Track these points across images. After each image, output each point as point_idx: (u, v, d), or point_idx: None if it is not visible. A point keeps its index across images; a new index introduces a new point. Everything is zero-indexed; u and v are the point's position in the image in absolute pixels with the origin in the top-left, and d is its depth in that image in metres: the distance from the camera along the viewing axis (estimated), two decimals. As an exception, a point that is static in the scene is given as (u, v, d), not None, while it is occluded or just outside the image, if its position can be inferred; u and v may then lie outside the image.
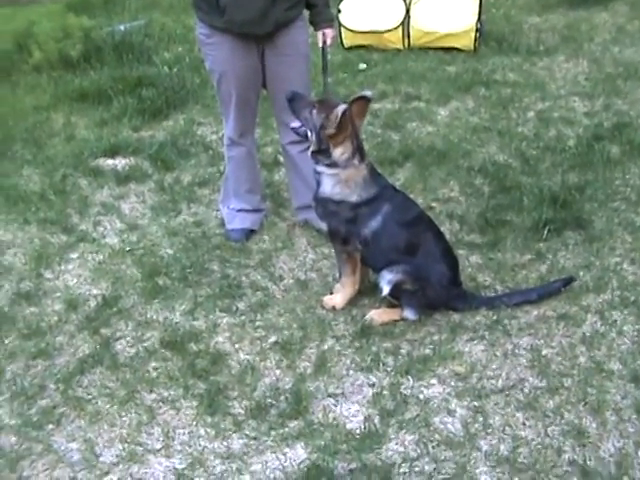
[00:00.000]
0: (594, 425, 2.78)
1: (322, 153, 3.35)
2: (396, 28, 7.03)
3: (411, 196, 3.81)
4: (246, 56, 3.71)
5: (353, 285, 3.51)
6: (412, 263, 3.35)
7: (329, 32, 3.89)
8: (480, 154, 4.93)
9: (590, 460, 2.64)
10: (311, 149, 3.40)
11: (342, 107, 3.22)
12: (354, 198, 3.34)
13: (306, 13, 3.82)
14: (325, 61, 3.91)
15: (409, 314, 3.40)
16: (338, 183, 3.35)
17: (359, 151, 3.34)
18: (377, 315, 3.43)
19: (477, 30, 6.88)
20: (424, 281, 3.34)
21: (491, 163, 4.76)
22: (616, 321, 3.32)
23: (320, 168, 3.39)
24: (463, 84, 6.11)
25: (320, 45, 3.90)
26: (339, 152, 3.31)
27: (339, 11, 7.08)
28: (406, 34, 7.04)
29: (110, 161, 5.13)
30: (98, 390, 3.11)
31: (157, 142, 5.31)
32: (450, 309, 3.44)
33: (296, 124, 3.46)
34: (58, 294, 3.77)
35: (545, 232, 3.94)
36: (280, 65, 3.77)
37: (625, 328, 3.27)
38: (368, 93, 3.39)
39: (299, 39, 3.78)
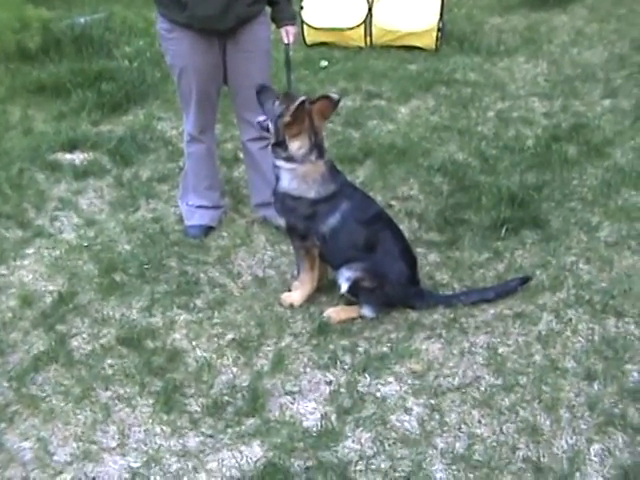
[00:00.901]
0: (548, 422, 2.82)
1: (280, 145, 3.35)
2: (358, 26, 7.05)
3: (370, 194, 3.83)
4: (207, 51, 3.68)
5: (311, 282, 3.51)
6: (371, 261, 3.36)
7: (291, 29, 3.89)
8: (440, 153, 4.96)
9: (544, 457, 2.67)
10: (271, 142, 3.40)
11: (301, 98, 3.23)
12: (312, 194, 3.34)
13: (268, 10, 3.81)
14: (288, 58, 3.90)
15: (367, 312, 3.41)
16: (295, 178, 3.34)
17: (317, 147, 3.34)
18: (335, 313, 3.43)
19: (439, 29, 6.92)
20: (382, 279, 3.35)
21: (450, 162, 4.79)
22: (571, 319, 3.36)
23: (279, 162, 3.38)
24: (424, 83, 6.14)
25: (285, 42, 3.88)
26: (296, 146, 3.31)
27: (301, 8, 7.07)
28: (368, 32, 7.06)
29: (68, 155, 5.06)
30: (52, 388, 3.07)
31: (116, 137, 5.25)
32: (408, 307, 3.45)
33: (262, 117, 3.45)
34: (13, 290, 3.71)
35: (503, 231, 3.98)
36: (241, 61, 3.75)
37: (580, 327, 3.31)
38: (335, 95, 3.40)
39: (261, 35, 3.76)
